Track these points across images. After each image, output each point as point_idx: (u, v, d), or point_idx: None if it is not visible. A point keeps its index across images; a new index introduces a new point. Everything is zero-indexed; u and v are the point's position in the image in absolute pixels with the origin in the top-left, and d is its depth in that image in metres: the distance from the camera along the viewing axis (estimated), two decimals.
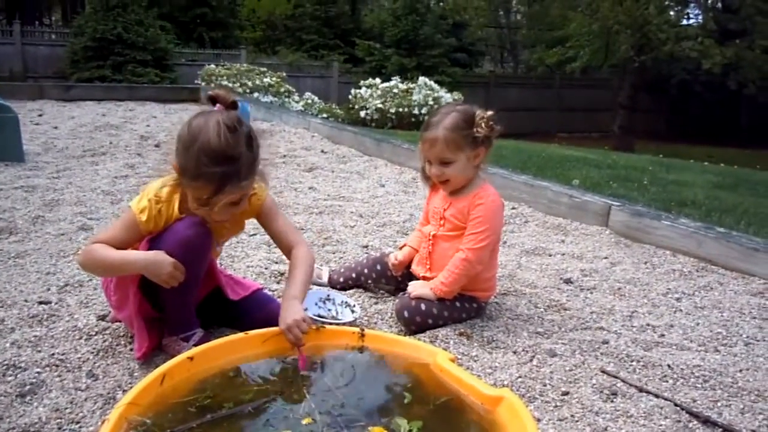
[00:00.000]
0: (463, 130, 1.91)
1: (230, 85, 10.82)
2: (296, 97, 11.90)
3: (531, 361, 1.83)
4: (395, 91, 11.59)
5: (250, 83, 11.19)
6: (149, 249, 1.68)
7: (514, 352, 1.88)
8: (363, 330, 1.70)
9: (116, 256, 1.65)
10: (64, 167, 4.22)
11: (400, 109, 11.24)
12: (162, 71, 14.64)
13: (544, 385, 1.69)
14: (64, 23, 22.11)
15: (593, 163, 6.22)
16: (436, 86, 11.97)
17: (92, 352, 1.79)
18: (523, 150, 7.08)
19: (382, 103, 11.45)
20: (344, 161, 4.89)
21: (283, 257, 2.17)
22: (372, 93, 11.69)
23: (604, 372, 1.76)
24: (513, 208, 3.53)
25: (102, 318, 1.98)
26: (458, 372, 1.52)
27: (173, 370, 1.47)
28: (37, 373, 1.68)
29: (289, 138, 5.78)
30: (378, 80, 12.32)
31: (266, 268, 2.46)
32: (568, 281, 2.50)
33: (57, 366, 1.72)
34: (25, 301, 2.10)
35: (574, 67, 18.67)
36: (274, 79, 11.72)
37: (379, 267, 2.25)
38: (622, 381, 1.72)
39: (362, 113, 11.54)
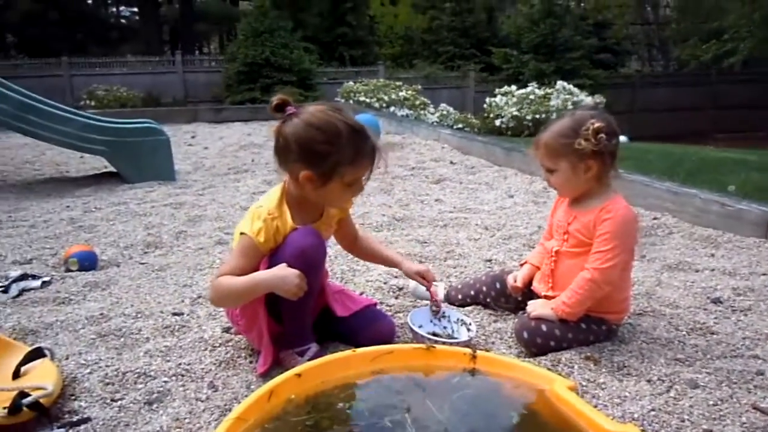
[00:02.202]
0: (566, 137, 1.77)
1: (368, 100, 11.13)
2: (431, 109, 11.95)
3: (668, 391, 1.63)
4: (531, 97, 11.26)
5: (386, 98, 11.41)
6: (269, 266, 1.71)
7: (648, 381, 1.69)
8: (475, 351, 1.61)
9: (243, 281, 1.68)
10: (210, 185, 4.52)
11: (537, 116, 10.88)
12: (306, 90, 15.34)
13: (682, 421, 1.49)
14: (221, 51, 23.99)
15: (754, 166, 5.57)
16: (575, 90, 11.48)
17: (215, 364, 1.86)
18: (671, 153, 6.53)
19: (518, 110, 11.17)
20: (473, 172, 4.79)
21: (400, 273, 2.17)
22: (507, 101, 11.44)
23: (756, 409, 1.53)
24: (655, 219, 3.23)
25: (227, 330, 2.06)
26: (577, 402, 1.38)
27: (281, 386, 1.47)
28: (164, 382, 1.76)
29: (419, 150, 5.78)
30: (514, 87, 12.04)
31: (385, 283, 2.43)
32: (716, 301, 2.22)
33: (182, 376, 1.80)
34: (161, 312, 2.24)
35: (733, 62, 16.98)
36: (409, 92, 11.86)
37: (498, 285, 2.14)
38: None
39: (497, 122, 11.34)
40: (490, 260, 2.72)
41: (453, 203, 3.81)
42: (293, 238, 1.71)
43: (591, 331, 1.87)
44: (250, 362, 1.86)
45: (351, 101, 11.12)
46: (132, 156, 4.50)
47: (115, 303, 2.34)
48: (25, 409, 1.47)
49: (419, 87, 12.68)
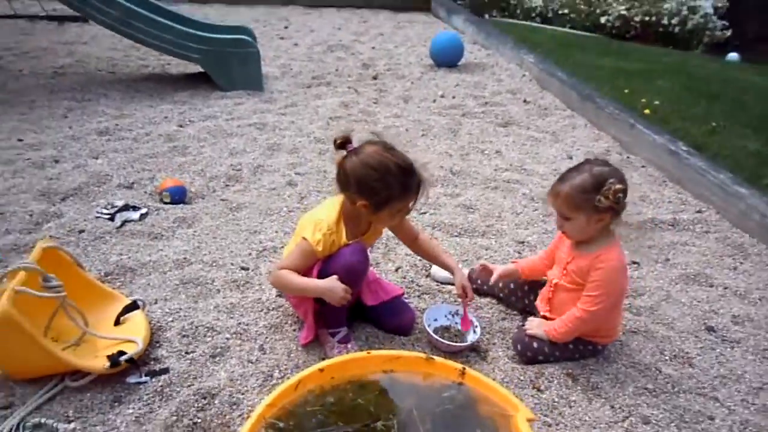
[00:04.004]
0: (587, 193, 1.96)
1: None
2: None
3: (623, 421, 1.94)
4: None
5: None
6: (320, 270, 2.10)
7: (612, 407, 1.98)
8: (465, 369, 1.97)
9: (301, 282, 2.08)
10: (292, 102, 4.84)
11: (647, 18, 10.19)
12: None
13: None
14: None
15: None
16: None
17: (267, 327, 2.31)
18: None
19: (627, 9, 10.46)
20: (544, 114, 4.83)
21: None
22: None
23: None
24: (698, 212, 3.32)
25: (280, 295, 2.49)
26: None
27: (306, 378, 1.91)
28: (227, 338, 2.23)
29: (498, 75, 5.78)
30: None
31: (420, 260, 2.77)
32: (710, 329, 2.42)
33: (241, 334, 2.26)
34: (232, 264, 2.70)
35: None
36: None
37: (512, 285, 2.45)
38: None
39: (602, 19, 10.69)
40: (522, 242, 2.97)
41: (511, 158, 3.96)
42: (344, 253, 2.09)
43: (578, 350, 2.18)
44: (294, 330, 2.30)
45: None
46: (224, 65, 4.86)
47: (197, 247, 2.82)
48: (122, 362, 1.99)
49: None
